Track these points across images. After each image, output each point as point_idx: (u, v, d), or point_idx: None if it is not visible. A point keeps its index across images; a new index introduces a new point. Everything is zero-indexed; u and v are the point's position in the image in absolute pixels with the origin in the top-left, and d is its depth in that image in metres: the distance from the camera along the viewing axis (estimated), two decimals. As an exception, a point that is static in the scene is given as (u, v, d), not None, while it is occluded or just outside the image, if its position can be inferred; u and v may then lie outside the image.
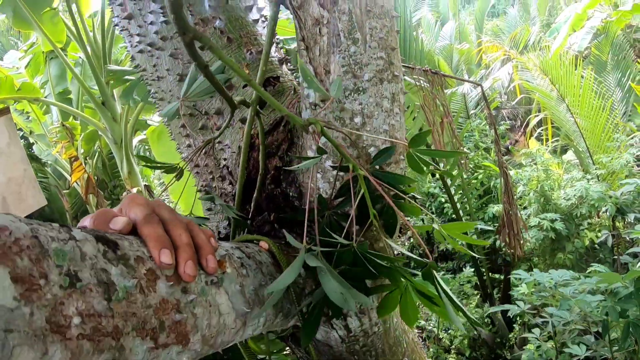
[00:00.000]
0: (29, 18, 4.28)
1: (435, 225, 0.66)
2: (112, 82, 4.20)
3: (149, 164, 0.88)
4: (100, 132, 5.42)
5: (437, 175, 5.07)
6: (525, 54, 8.59)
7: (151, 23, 1.07)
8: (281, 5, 0.80)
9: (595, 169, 5.68)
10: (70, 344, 0.37)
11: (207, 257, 0.55)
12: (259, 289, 0.62)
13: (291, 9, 0.76)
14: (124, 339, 0.42)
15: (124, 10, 1.16)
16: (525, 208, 5.52)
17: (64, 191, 7.15)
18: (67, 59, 4.78)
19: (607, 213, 3.59)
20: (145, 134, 6.61)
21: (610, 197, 3.47)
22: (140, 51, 1.15)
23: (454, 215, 5.63)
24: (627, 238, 4.03)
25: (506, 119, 11.03)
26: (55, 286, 0.38)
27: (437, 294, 0.76)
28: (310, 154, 0.82)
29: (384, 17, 0.77)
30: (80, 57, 5.61)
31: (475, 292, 5.17)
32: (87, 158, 6.50)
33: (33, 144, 6.69)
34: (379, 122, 0.76)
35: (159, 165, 0.89)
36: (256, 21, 1.08)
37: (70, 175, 6.09)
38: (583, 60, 8.32)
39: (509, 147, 9.89)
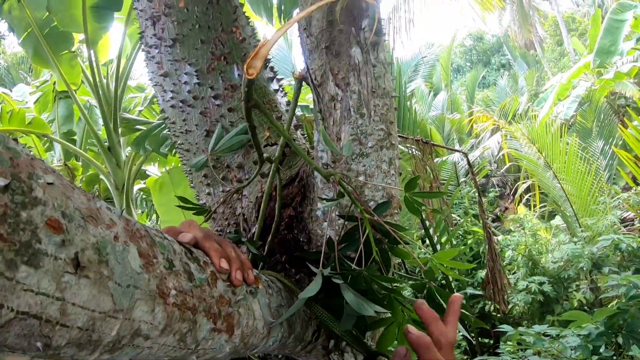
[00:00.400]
0: (49, 57, 4.52)
1: (428, 256, 0.81)
2: (122, 128, 4.40)
3: (184, 205, 1.02)
4: (101, 176, 5.56)
5: (427, 242, 5.23)
6: (514, 123, 9.01)
7: (185, 83, 1.25)
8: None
9: (582, 232, 5.85)
10: (168, 309, 0.52)
11: (248, 271, 0.71)
12: (279, 308, 0.76)
13: (312, 86, 0.95)
14: (197, 315, 0.57)
15: (161, 68, 1.34)
16: (514, 273, 5.63)
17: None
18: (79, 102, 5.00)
19: (584, 268, 3.73)
20: (144, 183, 6.76)
21: (587, 253, 3.63)
22: (172, 106, 1.32)
23: (443, 281, 5.74)
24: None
25: (496, 186, 11.36)
26: (161, 266, 0.53)
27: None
28: (321, 206, 0.97)
29: (385, 97, 0.96)
30: (88, 101, 5.85)
31: (465, 357, 5.15)
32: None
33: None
34: (378, 180, 0.93)
35: (192, 206, 1.03)
36: (276, 91, 1.27)
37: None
38: (569, 128, 8.72)
39: (499, 214, 10.12)
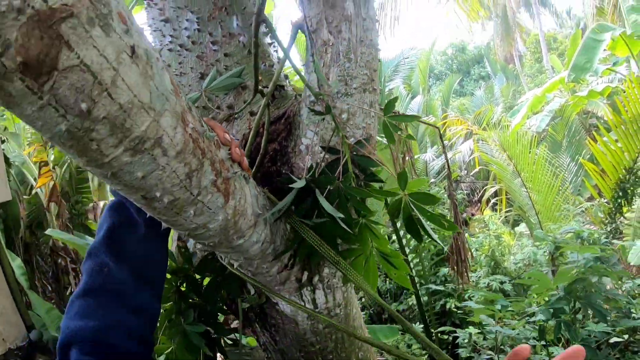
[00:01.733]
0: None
1: (401, 193, 0.91)
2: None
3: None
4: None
5: (394, 237, 5.36)
6: (487, 129, 9.29)
7: (185, 28, 1.32)
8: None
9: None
10: (186, 135, 0.61)
11: (243, 157, 0.80)
12: (265, 208, 0.85)
13: (307, 32, 1.04)
14: (204, 159, 0.65)
15: (162, 14, 1.40)
16: (476, 271, 5.82)
17: (24, 197, 7.04)
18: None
19: (548, 251, 3.92)
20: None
21: (550, 236, 3.82)
22: (170, 49, 1.38)
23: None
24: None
25: (464, 192, 11.70)
26: (184, 102, 0.61)
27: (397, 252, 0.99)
28: (304, 141, 1.07)
29: (371, 47, 1.06)
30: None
31: (424, 352, 5.29)
32: (56, 166, 6.50)
33: (4, 141, 6.65)
34: (359, 120, 1.03)
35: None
36: (270, 44, 1.36)
37: (36, 180, 6.07)
38: (540, 141, 9.04)
39: (466, 217, 10.41)
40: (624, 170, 5.77)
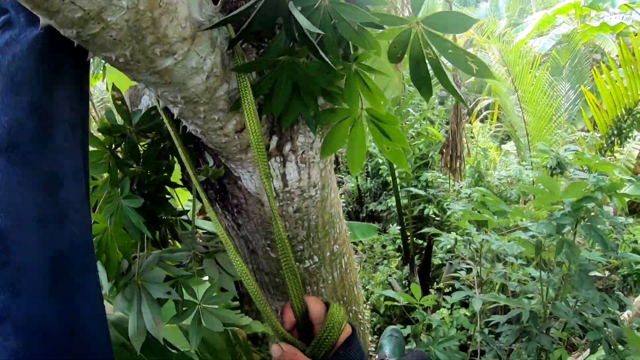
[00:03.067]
0: None
1: (412, 21, 0.62)
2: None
3: None
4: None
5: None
6: (491, 38, 8.79)
7: None
8: None
9: (531, 157, 5.98)
10: None
11: None
12: (213, 17, 0.56)
13: None
14: None
15: None
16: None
17: None
18: None
19: (549, 166, 3.77)
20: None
21: (553, 151, 3.66)
22: None
23: (388, 178, 5.68)
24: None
25: (455, 102, 11.39)
26: None
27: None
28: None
29: None
30: None
31: (398, 254, 5.30)
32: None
33: None
34: None
35: None
36: None
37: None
38: (541, 64, 8.61)
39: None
40: (623, 110, 5.55)
